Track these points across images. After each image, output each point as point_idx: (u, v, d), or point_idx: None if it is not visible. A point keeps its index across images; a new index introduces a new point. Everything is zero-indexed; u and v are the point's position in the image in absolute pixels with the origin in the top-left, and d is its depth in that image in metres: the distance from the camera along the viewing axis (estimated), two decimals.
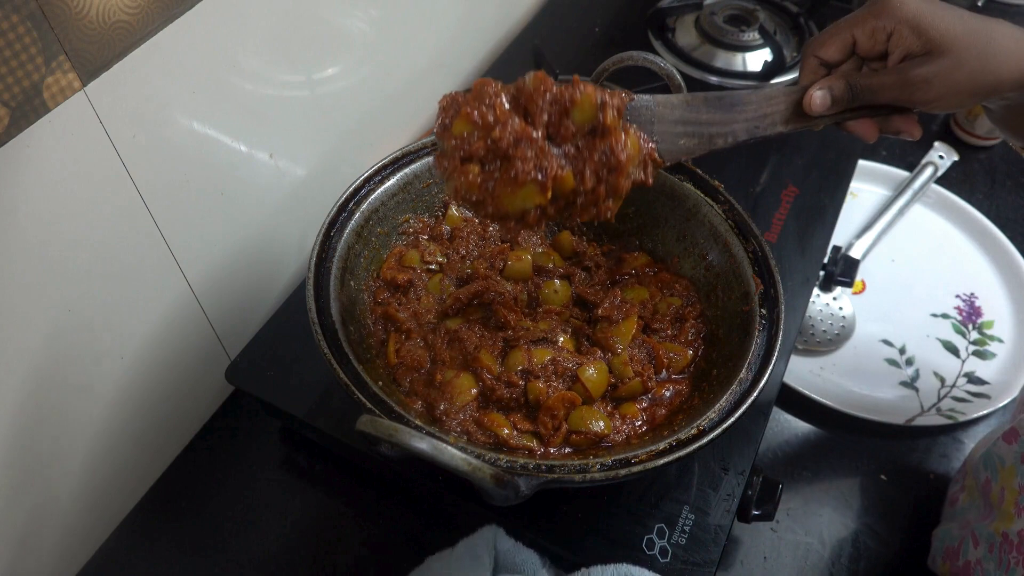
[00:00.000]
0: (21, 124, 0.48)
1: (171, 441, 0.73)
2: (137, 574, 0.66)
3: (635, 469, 0.50)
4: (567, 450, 0.57)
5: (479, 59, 1.08)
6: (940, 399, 0.83)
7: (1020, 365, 0.85)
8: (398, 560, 0.65)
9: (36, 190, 0.51)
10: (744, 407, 0.53)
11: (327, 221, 0.62)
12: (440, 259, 0.68)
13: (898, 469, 0.79)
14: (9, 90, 0.47)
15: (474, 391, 0.58)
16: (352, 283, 0.62)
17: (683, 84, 0.67)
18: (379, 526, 0.68)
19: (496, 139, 0.48)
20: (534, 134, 0.48)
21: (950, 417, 0.80)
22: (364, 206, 0.64)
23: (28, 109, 0.48)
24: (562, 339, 0.62)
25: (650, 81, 0.95)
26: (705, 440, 0.51)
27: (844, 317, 0.89)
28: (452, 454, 0.46)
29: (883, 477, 0.78)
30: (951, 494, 0.72)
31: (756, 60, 1.04)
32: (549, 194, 0.49)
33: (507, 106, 0.49)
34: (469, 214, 0.72)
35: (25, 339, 0.55)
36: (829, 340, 0.87)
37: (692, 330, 0.64)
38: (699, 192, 0.67)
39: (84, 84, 0.52)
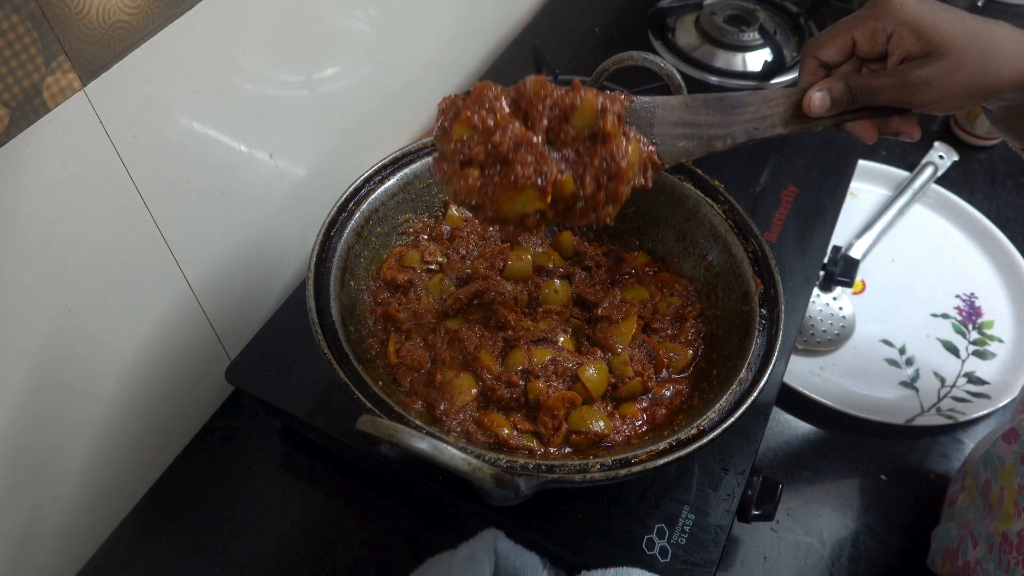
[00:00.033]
0: (21, 124, 0.48)
1: (171, 441, 0.73)
2: (137, 574, 0.66)
3: (635, 469, 0.50)
4: (567, 450, 0.57)
5: (479, 59, 1.08)
6: (940, 399, 0.83)
7: (1020, 365, 0.85)
8: (398, 560, 0.65)
9: (36, 190, 0.51)
10: (744, 407, 0.53)
11: (327, 221, 0.62)
12: (440, 259, 0.68)
13: (898, 469, 0.79)
14: (9, 90, 0.47)
15: (474, 391, 0.58)
16: (352, 283, 0.62)
17: (683, 84, 0.67)
18: (379, 526, 0.68)
19: (496, 144, 0.48)
20: (534, 139, 0.48)
21: (950, 417, 0.80)
22: (364, 206, 0.64)
23: (28, 109, 0.48)
24: (562, 339, 0.62)
25: (650, 81, 0.95)
26: (705, 440, 0.51)
27: (844, 317, 0.89)
28: (452, 454, 0.46)
29: (883, 477, 0.78)
30: (951, 494, 0.72)
31: (756, 60, 1.04)
32: (549, 199, 0.49)
33: (507, 110, 0.49)
34: (469, 214, 0.72)
35: (25, 339, 0.55)
36: (829, 340, 0.87)
37: (692, 330, 0.64)
38: (699, 192, 0.67)
39: (84, 84, 0.52)
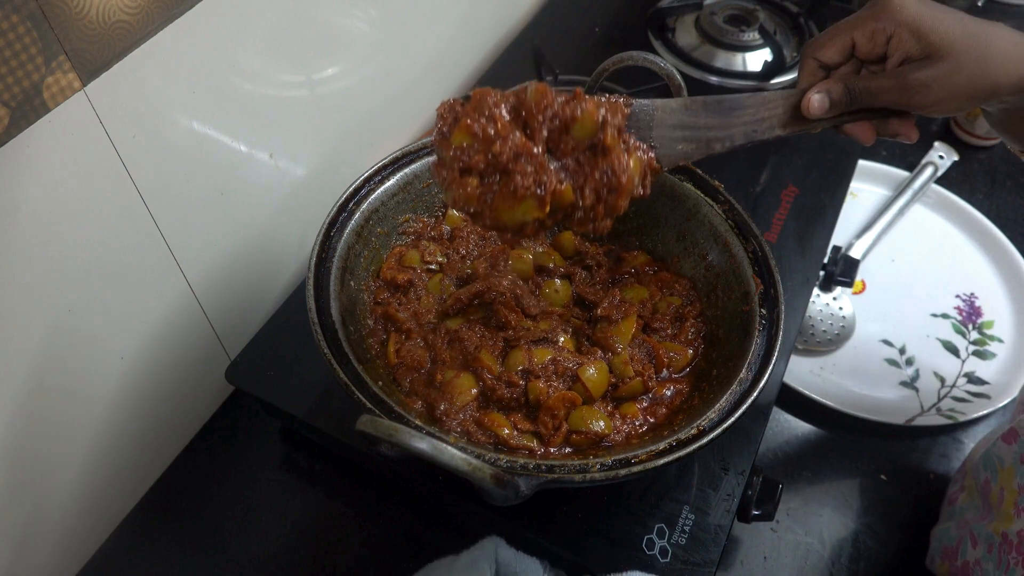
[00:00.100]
0: (21, 124, 0.48)
1: (171, 441, 0.73)
2: (137, 574, 0.66)
3: (635, 469, 0.50)
4: (567, 450, 0.57)
5: (479, 59, 1.08)
6: (940, 399, 0.83)
7: (1020, 365, 0.85)
8: (398, 560, 0.65)
9: (36, 190, 0.51)
10: (744, 407, 0.53)
11: (327, 221, 0.62)
12: (440, 259, 0.68)
13: (898, 469, 0.79)
14: (9, 90, 0.47)
15: (474, 391, 0.58)
16: (352, 283, 0.62)
17: (683, 84, 0.67)
18: (379, 526, 0.68)
19: (496, 153, 0.48)
20: (535, 149, 0.49)
21: (950, 417, 0.80)
22: (364, 206, 0.64)
23: (28, 109, 0.48)
24: (562, 339, 0.62)
25: (650, 81, 0.95)
26: (705, 440, 0.51)
27: (844, 317, 0.89)
28: (452, 454, 0.46)
29: (883, 477, 0.78)
30: (950, 494, 0.72)
31: (756, 60, 1.04)
32: (547, 208, 0.49)
33: (507, 118, 0.49)
34: None
35: (25, 339, 0.55)
36: (829, 340, 0.87)
37: (692, 329, 0.64)
38: (699, 192, 0.67)
39: (84, 84, 0.52)
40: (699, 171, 0.68)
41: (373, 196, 0.65)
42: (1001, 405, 0.81)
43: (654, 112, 0.54)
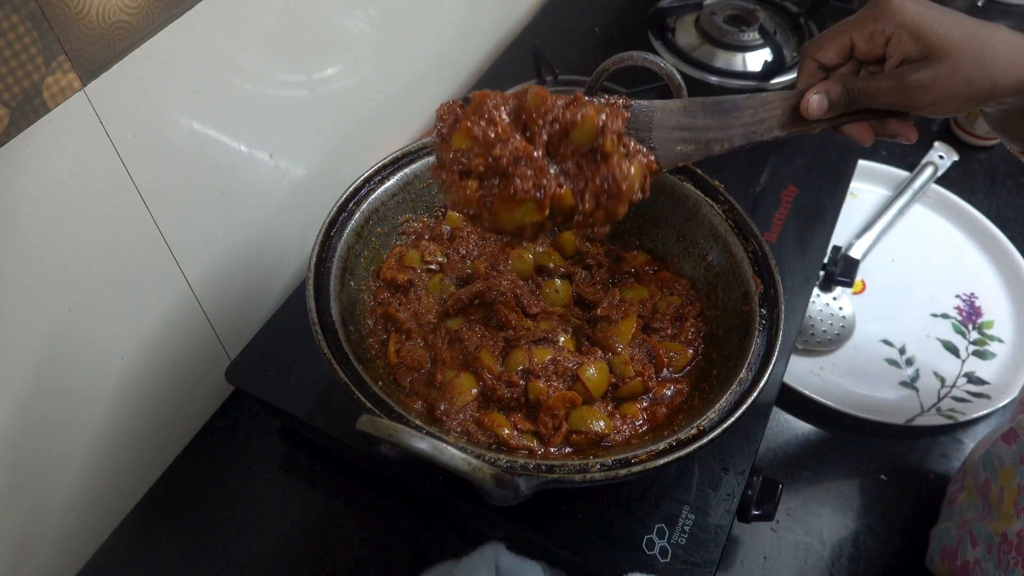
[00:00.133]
0: (21, 124, 0.48)
1: (171, 441, 0.73)
2: (137, 574, 0.66)
3: (635, 469, 0.50)
4: (567, 450, 0.57)
5: (479, 59, 1.08)
6: (940, 399, 0.83)
7: (1020, 365, 0.85)
8: (398, 560, 0.65)
9: (36, 190, 0.51)
10: (744, 407, 0.53)
11: (327, 221, 0.62)
12: (440, 259, 0.68)
13: (898, 469, 0.79)
14: (9, 90, 0.47)
15: (474, 391, 0.58)
16: (352, 283, 0.62)
17: (683, 84, 0.67)
18: (379, 526, 0.68)
19: (496, 157, 0.48)
20: (535, 153, 0.49)
21: (950, 417, 0.80)
22: (364, 206, 0.64)
23: (28, 109, 0.48)
24: (563, 339, 0.62)
25: (650, 81, 0.96)
26: (705, 440, 0.51)
27: (844, 317, 0.89)
28: (452, 454, 0.46)
29: (883, 477, 0.78)
30: (950, 493, 0.72)
31: (756, 60, 1.04)
32: (547, 212, 0.50)
33: (507, 121, 0.49)
34: None
35: (25, 340, 0.55)
36: (829, 340, 0.87)
37: (692, 329, 0.64)
38: (699, 192, 0.67)
39: (84, 84, 0.52)
40: (699, 171, 0.68)
41: (373, 196, 0.65)
42: (1001, 405, 0.81)
43: (653, 113, 0.54)
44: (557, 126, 0.49)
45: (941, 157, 1.04)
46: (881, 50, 0.53)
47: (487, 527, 0.65)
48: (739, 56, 1.04)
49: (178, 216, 0.64)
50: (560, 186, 0.49)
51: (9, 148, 0.48)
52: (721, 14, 1.07)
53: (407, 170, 0.67)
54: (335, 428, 0.65)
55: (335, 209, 0.63)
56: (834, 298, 0.90)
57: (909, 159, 1.06)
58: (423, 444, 0.45)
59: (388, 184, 0.66)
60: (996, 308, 0.92)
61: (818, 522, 0.75)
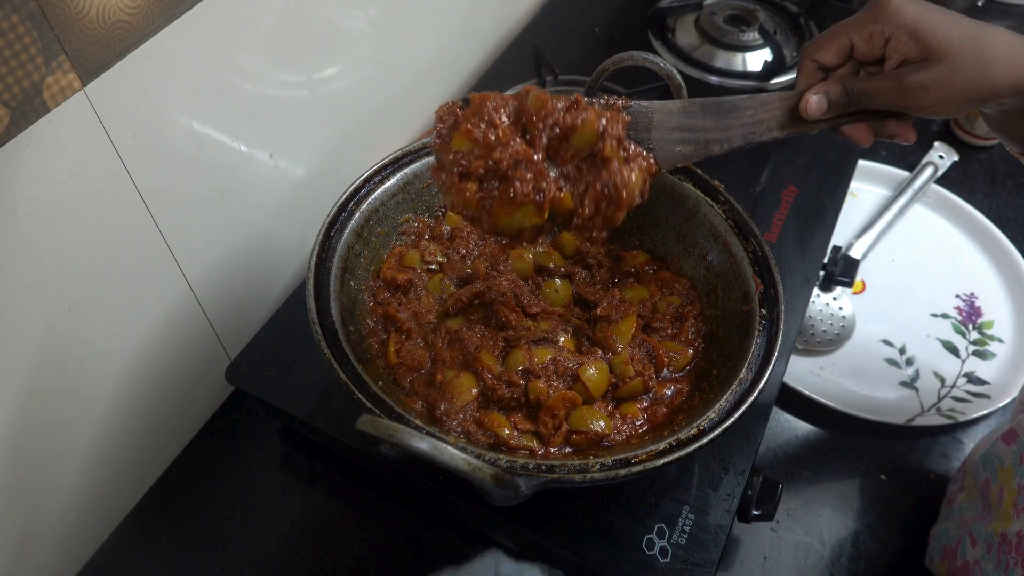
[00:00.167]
0: (21, 124, 0.48)
1: (171, 441, 0.73)
2: (137, 574, 0.66)
3: (635, 469, 0.50)
4: (567, 450, 0.57)
5: (479, 59, 1.08)
6: (940, 399, 0.83)
7: (1020, 365, 0.85)
8: (398, 560, 0.65)
9: (36, 190, 0.51)
10: (744, 407, 0.53)
11: (327, 221, 0.62)
12: (440, 259, 0.68)
13: (898, 469, 0.79)
14: (9, 90, 0.47)
15: (474, 391, 0.58)
16: (352, 283, 0.62)
17: (683, 84, 0.67)
18: (379, 526, 0.68)
19: (496, 160, 0.48)
20: (535, 156, 0.49)
21: (950, 417, 0.80)
22: (364, 206, 0.64)
23: (28, 109, 0.48)
24: (563, 339, 0.62)
25: (650, 81, 0.96)
26: (705, 440, 0.51)
27: (844, 317, 0.89)
28: (452, 454, 0.46)
29: (883, 477, 0.78)
30: (950, 493, 0.72)
31: (756, 60, 1.04)
32: (546, 215, 0.50)
33: (507, 123, 0.49)
34: None
35: (25, 339, 0.55)
36: (829, 340, 0.87)
37: (692, 329, 0.64)
38: (699, 192, 0.67)
39: (84, 84, 0.52)
40: (699, 171, 0.68)
41: (373, 196, 0.65)
42: (1001, 405, 0.81)
43: (652, 114, 0.54)
44: (557, 130, 0.49)
45: (941, 157, 1.04)
46: (880, 51, 0.53)
47: (487, 527, 0.65)
48: (739, 56, 1.04)
49: (178, 216, 0.64)
50: (560, 190, 0.50)
51: (9, 148, 0.48)
52: (721, 14, 1.07)
53: (407, 170, 0.67)
54: (335, 428, 0.65)
55: (335, 209, 0.63)
56: (834, 298, 0.90)
57: (909, 159, 1.06)
58: (423, 444, 0.45)
59: (388, 184, 0.66)
60: (996, 308, 0.92)
61: (818, 522, 0.75)
